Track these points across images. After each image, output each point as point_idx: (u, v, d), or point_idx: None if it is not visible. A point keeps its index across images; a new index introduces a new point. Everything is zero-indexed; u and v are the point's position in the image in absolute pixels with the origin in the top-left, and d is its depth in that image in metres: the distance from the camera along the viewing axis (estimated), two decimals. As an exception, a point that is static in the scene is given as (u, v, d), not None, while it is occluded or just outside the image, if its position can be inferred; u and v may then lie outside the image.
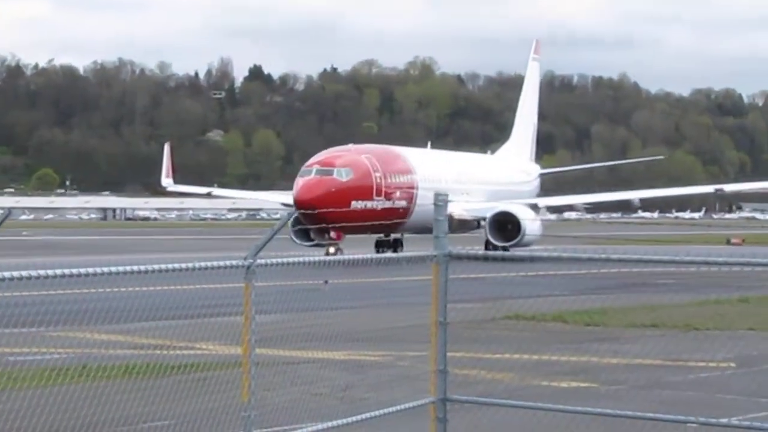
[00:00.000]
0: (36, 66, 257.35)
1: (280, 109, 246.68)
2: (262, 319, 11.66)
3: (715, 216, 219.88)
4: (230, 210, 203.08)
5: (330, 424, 12.82)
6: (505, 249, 69.15)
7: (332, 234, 61.27)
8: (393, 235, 74.16)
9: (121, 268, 11.49)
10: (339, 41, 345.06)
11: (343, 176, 63.01)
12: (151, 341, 24.73)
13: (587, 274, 48.77)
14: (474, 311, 30.55)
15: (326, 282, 39.03)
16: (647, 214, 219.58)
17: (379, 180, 65.04)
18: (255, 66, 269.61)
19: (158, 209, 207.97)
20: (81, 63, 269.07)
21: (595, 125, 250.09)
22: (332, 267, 42.06)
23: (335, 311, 33.27)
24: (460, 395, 12.82)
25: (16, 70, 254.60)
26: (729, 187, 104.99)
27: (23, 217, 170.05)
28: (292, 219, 58.10)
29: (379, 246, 72.83)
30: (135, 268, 11.73)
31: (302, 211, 62.64)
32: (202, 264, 12.99)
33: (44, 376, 20.58)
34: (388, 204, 65.51)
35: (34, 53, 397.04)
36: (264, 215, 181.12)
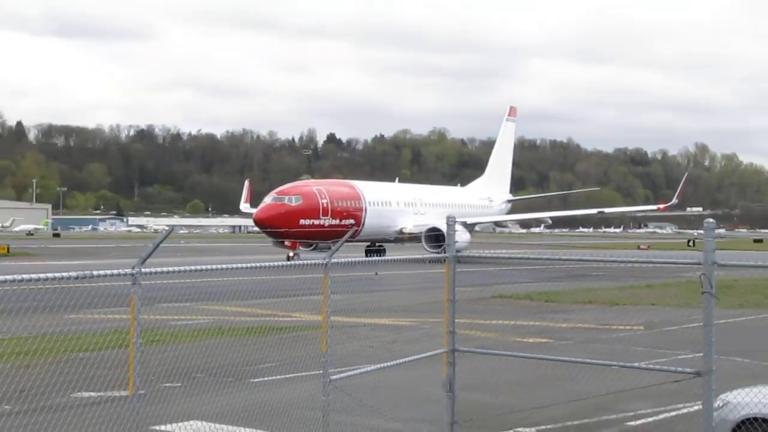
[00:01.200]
0: (189, 133, 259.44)
1: (347, 162, 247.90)
2: (334, 297, 11.66)
3: (629, 231, 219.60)
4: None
5: (380, 365, 12.78)
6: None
7: (286, 243, 57.87)
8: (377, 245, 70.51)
9: (241, 265, 11.63)
10: (385, 116, 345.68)
11: (293, 202, 58.81)
12: (262, 311, 24.79)
13: (546, 269, 48.83)
14: (471, 293, 30.60)
15: (376, 273, 39.03)
16: (585, 230, 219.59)
17: (325, 204, 60.60)
18: (331, 133, 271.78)
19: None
20: (218, 131, 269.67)
21: (551, 171, 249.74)
22: (379, 265, 42.26)
23: (382, 292, 33.43)
24: (464, 347, 12.80)
25: (176, 136, 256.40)
26: (608, 210, 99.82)
27: (181, 231, 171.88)
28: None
29: (368, 252, 68.70)
30: (250, 265, 11.94)
31: (259, 227, 60.36)
32: (296, 262, 13.06)
33: (193, 334, 20.69)
34: (335, 221, 60.71)
35: (189, 124, 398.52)
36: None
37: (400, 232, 68.44)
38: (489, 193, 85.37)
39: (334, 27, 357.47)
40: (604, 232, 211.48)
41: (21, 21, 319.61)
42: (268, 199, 60.33)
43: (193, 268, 10.84)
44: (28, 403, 13.27)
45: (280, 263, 12.78)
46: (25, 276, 8.90)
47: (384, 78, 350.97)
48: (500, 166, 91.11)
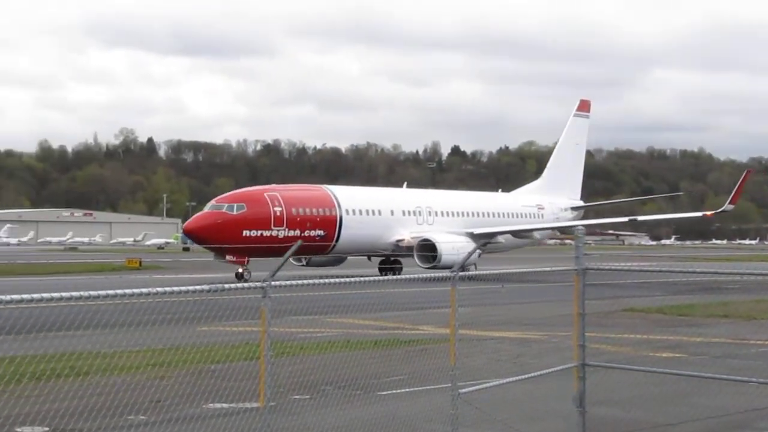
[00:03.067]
0: (314, 147, 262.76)
1: (471, 174, 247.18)
2: (461, 310, 11.66)
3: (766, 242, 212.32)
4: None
5: (508, 380, 12.72)
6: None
7: (229, 258, 49.15)
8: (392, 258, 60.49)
9: (367, 279, 11.74)
10: (508, 128, 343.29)
11: (233, 210, 49.95)
12: (389, 324, 24.91)
13: (679, 281, 47.73)
14: (601, 306, 30.13)
15: (503, 286, 38.84)
16: (719, 241, 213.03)
17: (279, 212, 51.28)
18: (455, 145, 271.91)
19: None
20: (342, 145, 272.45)
21: (681, 182, 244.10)
22: (503, 278, 42.03)
23: (508, 305, 33.21)
24: (594, 362, 12.62)
25: (302, 150, 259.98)
26: (641, 218, 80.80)
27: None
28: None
29: (382, 269, 59.83)
30: (372, 279, 12.06)
31: (191, 240, 53.62)
32: (423, 275, 13.12)
33: (321, 347, 20.92)
34: (294, 233, 51.37)
35: (313, 138, 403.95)
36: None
37: (397, 244, 58.42)
38: (541, 200, 72.63)
39: (450, 39, 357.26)
40: (739, 243, 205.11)
41: (147, 41, 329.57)
42: (207, 208, 52.52)
43: (321, 281, 11.00)
44: (163, 413, 13.66)
45: (407, 276, 12.85)
46: (159, 289, 9.18)
47: (504, 88, 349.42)
48: (563, 168, 76.69)
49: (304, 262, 58.29)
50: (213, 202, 52.45)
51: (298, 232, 51.70)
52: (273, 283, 9.60)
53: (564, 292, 15.84)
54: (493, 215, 66.56)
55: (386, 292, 27.50)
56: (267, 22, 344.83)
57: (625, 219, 74.28)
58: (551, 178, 76.48)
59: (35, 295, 8.01)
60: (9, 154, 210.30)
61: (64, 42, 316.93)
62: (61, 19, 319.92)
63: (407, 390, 15.90)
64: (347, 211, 55.74)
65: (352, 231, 55.41)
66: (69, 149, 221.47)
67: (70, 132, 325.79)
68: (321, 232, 53.58)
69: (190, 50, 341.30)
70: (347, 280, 11.15)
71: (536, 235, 70.83)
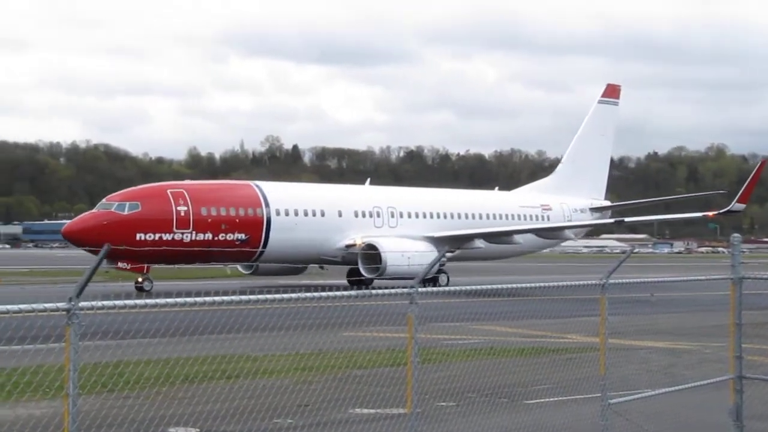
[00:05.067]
0: (457, 154, 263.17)
1: (617, 180, 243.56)
2: (611, 318, 11.49)
3: None
4: (584, 247, 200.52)
5: (660, 391, 12.46)
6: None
7: (121, 265, 42.25)
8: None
9: (521, 285, 11.69)
10: (656, 134, 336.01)
11: (125, 210, 42.90)
12: (535, 332, 24.69)
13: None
14: (757, 316, 29.15)
15: (652, 295, 37.99)
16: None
17: (183, 212, 43.72)
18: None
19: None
20: (486, 151, 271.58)
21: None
22: (653, 286, 41.06)
23: (659, 315, 32.49)
24: (751, 374, 12.25)
25: (445, 157, 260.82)
26: (629, 219, 66.36)
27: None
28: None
29: (351, 280, 50.23)
30: (517, 285, 11.99)
31: (71, 243, 45.50)
32: (571, 283, 12.96)
33: (466, 354, 20.91)
34: (204, 236, 44.19)
35: (453, 145, 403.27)
36: (608, 250, 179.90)
37: (347, 250, 49.78)
38: (548, 199, 61.49)
39: (586, 43, 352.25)
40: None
41: (285, 50, 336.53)
42: (96, 207, 45.52)
43: (463, 288, 10.98)
44: (312, 417, 13.89)
45: (554, 284, 12.72)
46: (308, 294, 9.36)
47: (644, 93, 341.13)
48: (583, 163, 65.08)
49: (249, 272, 50.93)
50: (104, 200, 45.20)
51: (209, 236, 44.62)
52: (420, 289, 9.66)
53: (715, 301, 15.43)
54: (477, 217, 56.46)
55: (530, 299, 27.29)
56: (400, 29, 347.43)
57: (611, 220, 65.42)
58: (566, 175, 65.00)
59: (188, 299, 8.26)
60: (159, 161, 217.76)
61: (203, 52, 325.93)
62: (197, 29, 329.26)
63: (554, 399, 15.73)
64: (277, 211, 47.86)
65: (284, 235, 47.37)
66: (217, 156, 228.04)
67: (216, 139, 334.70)
68: (242, 236, 45.89)
69: (327, 58, 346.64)
70: (489, 287, 11.12)
71: (564, 235, 59.84)
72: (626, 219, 65.95)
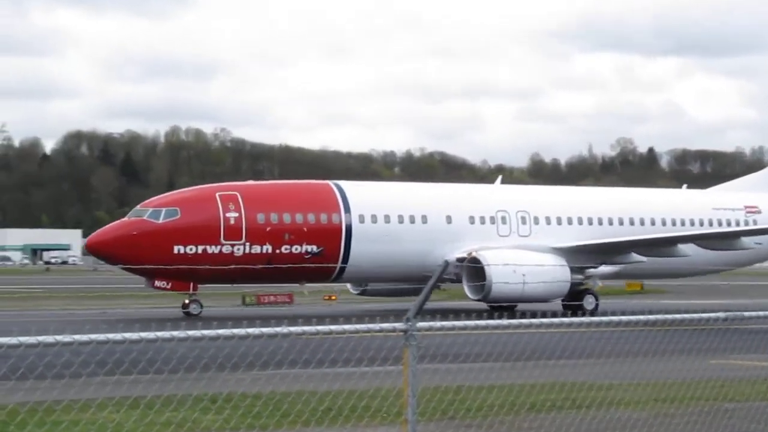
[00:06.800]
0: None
1: None
2: None
3: None
4: None
5: None
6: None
7: (158, 284, 38.69)
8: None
9: None
10: None
11: (159, 218, 38.75)
12: None
13: None
14: None
15: None
16: None
17: (234, 220, 38.98)
18: None
19: None
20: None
21: None
22: None
23: None
24: None
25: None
26: None
27: None
28: None
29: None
30: None
31: (97, 257, 44.04)
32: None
33: None
34: (260, 249, 39.29)
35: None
36: None
37: (460, 264, 42.71)
38: (756, 199, 51.43)
39: None
40: None
41: (632, 42, 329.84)
42: (128, 214, 41.73)
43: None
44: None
45: None
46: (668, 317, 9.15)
47: None
48: None
49: (357, 292, 46.47)
50: (138, 206, 41.42)
51: (267, 248, 39.84)
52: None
53: None
54: (646, 223, 48.09)
55: None
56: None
57: None
58: None
59: (524, 321, 8.32)
60: (500, 169, 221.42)
61: (542, 49, 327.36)
62: (535, 25, 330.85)
63: None
64: (361, 217, 42.27)
65: (370, 246, 41.86)
66: (562, 162, 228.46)
67: (559, 143, 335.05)
68: (314, 248, 40.69)
69: (679, 49, 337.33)
70: None
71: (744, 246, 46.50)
72: None
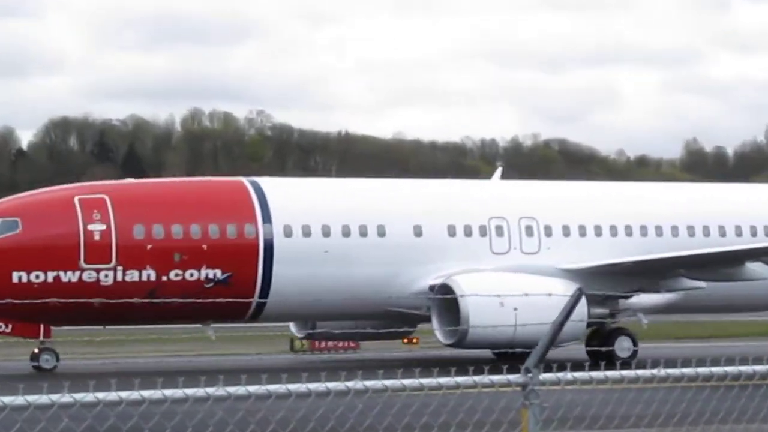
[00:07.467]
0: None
1: None
2: None
3: None
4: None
5: None
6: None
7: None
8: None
9: None
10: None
11: None
12: None
13: None
14: None
15: None
16: None
17: (99, 234, 35.79)
18: None
19: None
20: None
21: None
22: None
23: None
24: None
25: None
26: None
27: None
28: None
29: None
30: None
31: None
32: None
33: None
34: (138, 274, 36.32)
35: None
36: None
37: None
38: None
39: None
40: None
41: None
42: None
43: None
44: None
45: None
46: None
47: None
48: None
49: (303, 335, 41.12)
50: None
51: (151, 274, 36.23)
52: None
53: None
54: (697, 232, 42.87)
55: None
56: None
57: None
58: None
59: (675, 372, 9.23)
60: (641, 160, 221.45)
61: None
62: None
63: None
64: (287, 228, 37.79)
65: (300, 270, 37.63)
66: (729, 151, 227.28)
67: (721, 126, 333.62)
68: (218, 274, 37.02)
69: None
70: None
71: None
72: None
